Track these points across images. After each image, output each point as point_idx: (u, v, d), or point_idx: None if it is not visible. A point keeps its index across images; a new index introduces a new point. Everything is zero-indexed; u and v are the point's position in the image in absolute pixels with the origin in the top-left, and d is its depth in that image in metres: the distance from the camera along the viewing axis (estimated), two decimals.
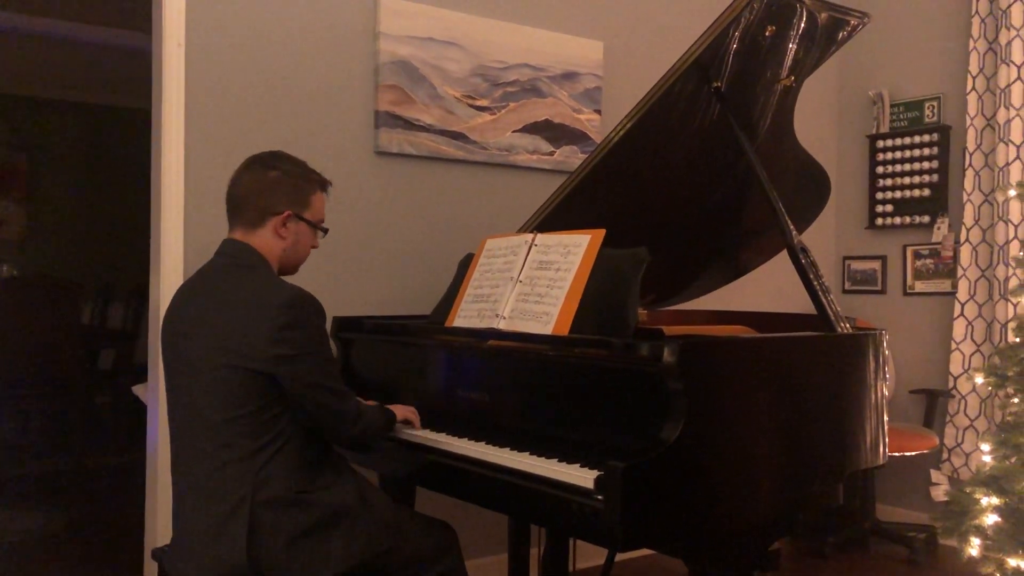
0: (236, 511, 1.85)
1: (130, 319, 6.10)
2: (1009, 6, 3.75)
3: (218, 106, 2.77)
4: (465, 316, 2.35)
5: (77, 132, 7.52)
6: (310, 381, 1.92)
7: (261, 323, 1.89)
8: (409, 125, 3.10)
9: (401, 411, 2.25)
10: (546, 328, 2.09)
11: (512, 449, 1.97)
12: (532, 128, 3.40)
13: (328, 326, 2.20)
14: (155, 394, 2.71)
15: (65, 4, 5.55)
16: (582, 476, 1.74)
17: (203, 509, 1.89)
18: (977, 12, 3.91)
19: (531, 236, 2.33)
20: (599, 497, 1.68)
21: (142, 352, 4.60)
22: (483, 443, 2.06)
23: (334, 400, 1.97)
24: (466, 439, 2.10)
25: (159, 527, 2.68)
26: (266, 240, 2.06)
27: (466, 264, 2.55)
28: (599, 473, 1.70)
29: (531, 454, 1.93)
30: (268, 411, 1.90)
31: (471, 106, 3.25)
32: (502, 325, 2.21)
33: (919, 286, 4.20)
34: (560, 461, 1.84)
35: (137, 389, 3.11)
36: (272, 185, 2.06)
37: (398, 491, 2.62)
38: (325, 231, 2.19)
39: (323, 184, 2.17)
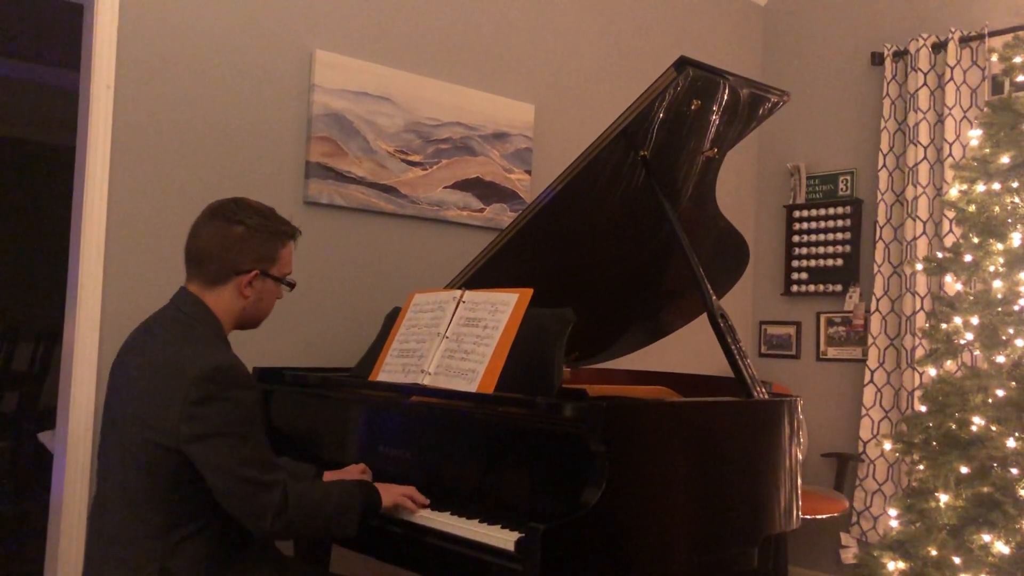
0: None
1: (38, 361, 5.86)
2: (916, 90, 3.97)
3: (145, 149, 2.73)
4: (390, 371, 2.34)
5: None
6: (218, 464, 1.72)
7: (174, 395, 1.73)
8: (340, 177, 3.10)
9: (391, 496, 1.95)
10: (471, 386, 2.09)
11: (433, 508, 1.96)
12: (463, 185, 3.44)
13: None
14: (63, 442, 2.60)
15: None
16: (503, 538, 1.74)
17: (111, 574, 1.80)
18: (888, 94, 4.12)
19: (459, 292, 2.34)
20: (519, 560, 1.68)
21: (50, 396, 4.41)
22: None
23: (246, 489, 1.73)
24: None
25: None
26: (225, 299, 1.92)
27: (393, 318, 2.54)
28: (520, 535, 1.70)
29: (452, 514, 1.91)
30: (181, 490, 1.76)
31: (403, 161, 3.27)
32: (427, 381, 2.21)
33: (831, 352, 4.34)
34: (481, 522, 1.84)
35: (43, 436, 2.99)
36: (237, 242, 1.91)
37: (313, 550, 2.56)
38: (292, 285, 2.03)
39: (292, 234, 2.02)
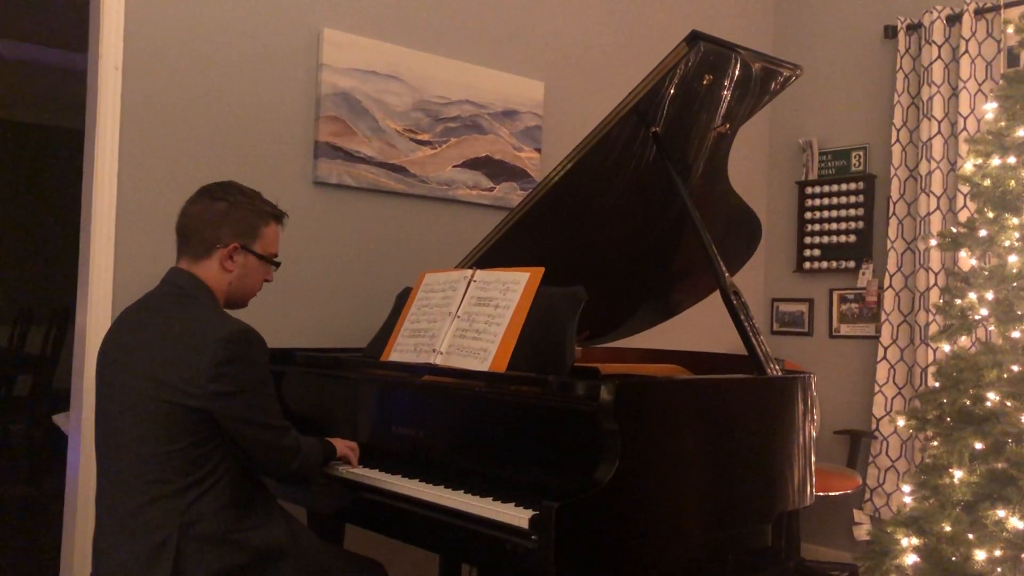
0: (162, 548, 1.80)
1: (51, 344, 5.89)
2: (930, 64, 3.92)
3: (154, 131, 2.73)
4: (401, 350, 2.34)
5: None
6: (246, 417, 1.89)
7: (200, 358, 1.85)
8: (349, 156, 3.09)
9: (340, 446, 2.20)
10: (483, 365, 2.09)
11: (446, 487, 1.96)
12: (472, 164, 3.42)
13: None
14: (77, 423, 2.62)
15: None
16: (517, 515, 1.74)
17: (127, 544, 1.84)
18: (901, 68, 4.08)
19: (470, 272, 2.33)
20: (533, 537, 1.68)
21: (63, 378, 4.44)
22: (416, 480, 2.04)
23: (271, 436, 1.94)
24: (399, 476, 2.08)
25: (76, 563, 2.58)
26: (212, 272, 2.03)
27: (404, 297, 2.54)
28: (534, 513, 1.70)
29: (465, 492, 1.92)
30: (201, 447, 1.86)
31: (412, 140, 3.25)
32: (439, 360, 2.20)
33: (844, 329, 4.32)
34: (495, 500, 1.84)
35: (58, 418, 3.00)
36: (219, 216, 2.03)
37: (327, 528, 2.58)
38: (277, 264, 2.15)
39: (276, 216, 2.13)
